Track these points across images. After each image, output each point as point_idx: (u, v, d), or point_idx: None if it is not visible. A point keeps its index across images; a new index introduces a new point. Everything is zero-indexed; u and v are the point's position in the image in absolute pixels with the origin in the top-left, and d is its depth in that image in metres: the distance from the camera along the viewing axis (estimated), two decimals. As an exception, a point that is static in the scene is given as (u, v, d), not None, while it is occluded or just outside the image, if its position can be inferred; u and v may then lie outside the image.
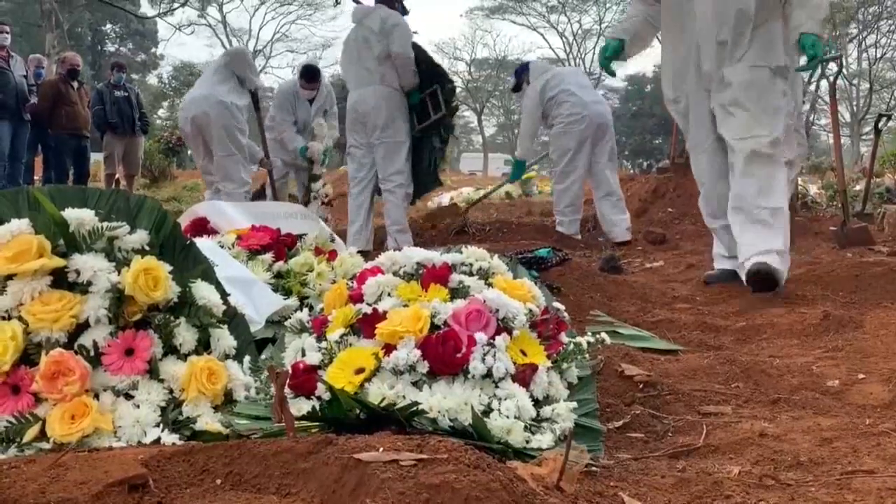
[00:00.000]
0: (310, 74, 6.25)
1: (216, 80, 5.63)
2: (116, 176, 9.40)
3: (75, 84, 8.36)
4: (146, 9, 29.39)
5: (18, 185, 7.33)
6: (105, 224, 1.61)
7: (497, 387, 1.47)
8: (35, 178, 8.97)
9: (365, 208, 5.13)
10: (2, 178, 7.43)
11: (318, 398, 1.48)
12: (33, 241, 1.52)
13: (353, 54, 4.96)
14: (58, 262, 1.53)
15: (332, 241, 3.04)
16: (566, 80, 5.80)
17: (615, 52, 3.44)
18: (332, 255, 2.73)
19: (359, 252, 3.09)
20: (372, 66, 4.85)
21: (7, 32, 7.67)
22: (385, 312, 1.59)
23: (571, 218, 5.84)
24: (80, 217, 1.59)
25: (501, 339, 1.51)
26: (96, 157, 10.32)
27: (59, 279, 1.53)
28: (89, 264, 1.54)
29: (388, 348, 1.51)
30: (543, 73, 5.85)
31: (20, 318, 1.49)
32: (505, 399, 1.44)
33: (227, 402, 1.58)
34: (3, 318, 1.50)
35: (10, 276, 1.52)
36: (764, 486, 1.32)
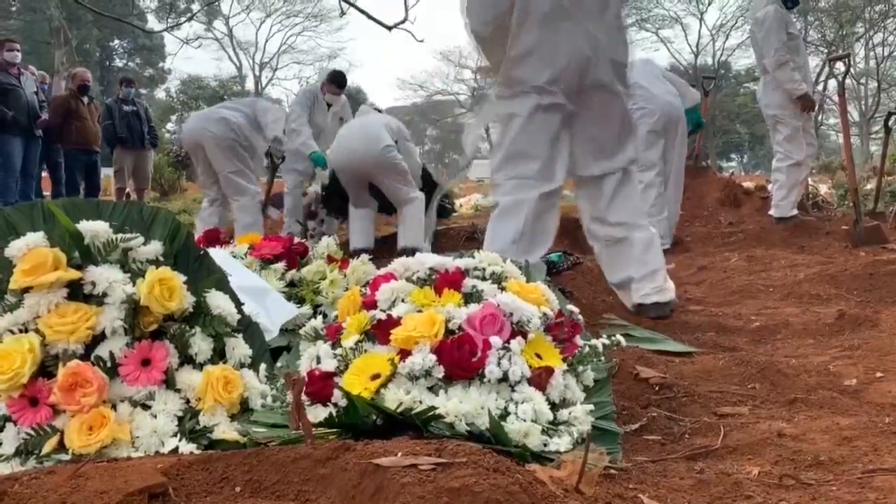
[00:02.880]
0: (340, 80, 6.32)
1: (225, 105, 5.66)
2: (127, 190, 9.45)
3: (85, 99, 8.42)
4: (153, 24, 29.63)
5: (30, 200, 7.38)
6: (119, 235, 1.63)
7: (513, 390, 1.46)
8: (45, 194, 9.03)
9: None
10: (14, 194, 7.49)
11: (335, 405, 1.48)
12: (49, 254, 1.53)
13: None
14: (73, 274, 1.54)
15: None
16: (633, 72, 5.34)
17: None
18: (345, 263, 2.73)
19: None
20: None
21: (17, 50, 7.74)
22: (399, 318, 1.59)
23: (658, 218, 5.25)
24: (94, 229, 1.60)
25: (516, 343, 1.51)
26: (106, 172, 10.39)
27: (75, 291, 1.55)
28: (104, 276, 1.55)
29: (404, 354, 1.51)
30: None
31: (37, 331, 1.50)
32: (521, 402, 1.43)
33: (243, 410, 1.59)
34: (21, 331, 1.51)
35: (26, 289, 1.53)
36: (784, 486, 1.31)
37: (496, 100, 2.82)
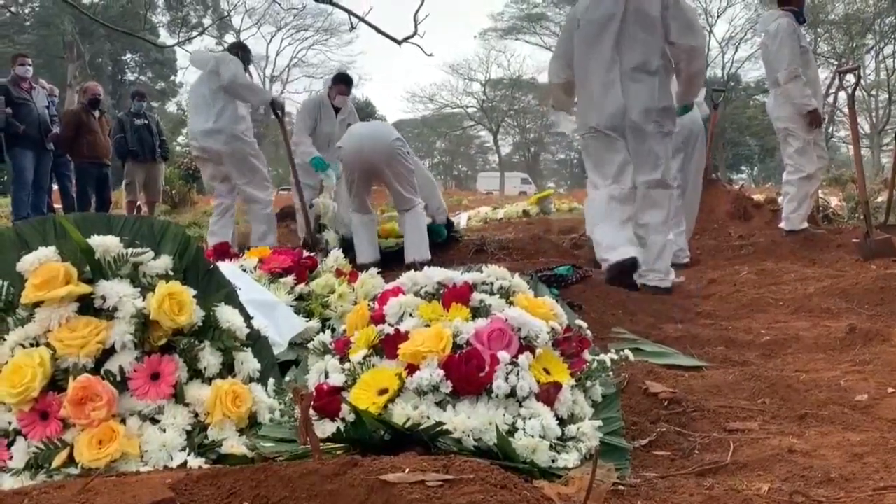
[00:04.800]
0: (348, 79, 6.39)
1: (219, 109, 5.41)
2: (138, 203, 9.52)
3: (97, 113, 8.49)
4: (165, 38, 29.91)
5: (42, 213, 7.45)
6: (130, 250, 1.63)
7: (521, 406, 1.46)
8: (56, 206, 9.10)
9: None
10: (26, 207, 7.55)
11: (343, 420, 1.48)
12: (60, 268, 1.54)
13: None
14: (84, 288, 1.55)
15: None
16: None
17: None
18: (353, 276, 2.74)
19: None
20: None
21: (29, 65, 7.83)
22: (407, 333, 1.59)
23: (676, 231, 5.06)
24: (105, 244, 1.61)
25: (524, 358, 1.51)
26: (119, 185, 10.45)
27: (86, 305, 1.55)
28: (115, 290, 1.56)
29: (411, 368, 1.51)
30: None
31: (48, 345, 1.51)
32: (529, 418, 1.43)
33: (251, 424, 1.59)
34: (32, 345, 1.52)
35: (37, 304, 1.54)
36: (794, 502, 1.30)
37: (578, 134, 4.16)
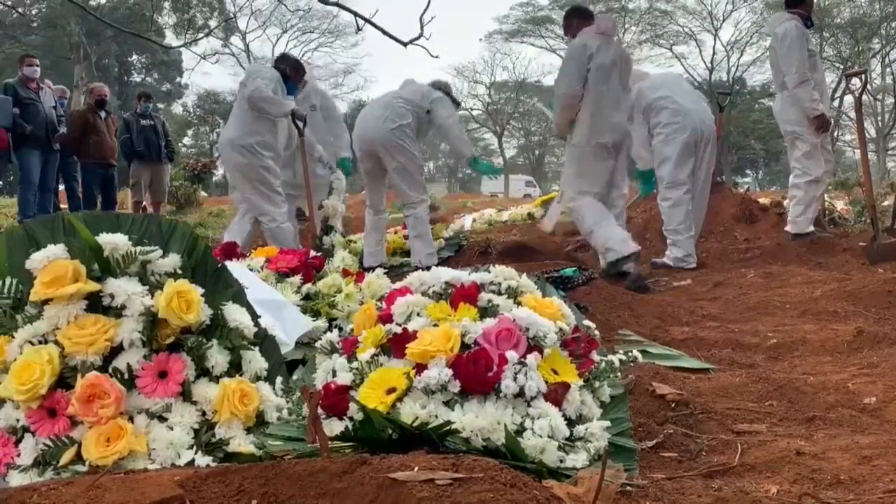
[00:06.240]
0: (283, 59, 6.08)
1: (242, 120, 5.26)
2: (144, 203, 9.53)
3: (103, 114, 8.50)
4: (171, 39, 29.97)
5: (48, 214, 7.46)
6: (138, 248, 1.64)
7: (529, 406, 1.46)
8: (63, 206, 9.11)
9: None
10: (33, 207, 7.57)
11: (351, 418, 1.48)
12: (69, 266, 1.54)
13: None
14: (93, 286, 1.55)
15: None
16: (663, 86, 5.36)
17: None
18: (360, 276, 2.74)
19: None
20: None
21: (37, 66, 7.85)
22: (415, 332, 1.59)
23: (686, 236, 5.25)
24: (114, 242, 1.61)
25: (532, 358, 1.51)
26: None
27: (94, 303, 1.56)
28: (123, 288, 1.56)
29: (419, 368, 1.51)
30: (639, 80, 5.31)
31: (56, 342, 1.51)
32: (538, 418, 1.43)
33: (259, 423, 1.59)
34: (40, 342, 1.52)
35: (46, 301, 1.54)
36: (804, 505, 1.30)
37: (574, 146, 4.68)
